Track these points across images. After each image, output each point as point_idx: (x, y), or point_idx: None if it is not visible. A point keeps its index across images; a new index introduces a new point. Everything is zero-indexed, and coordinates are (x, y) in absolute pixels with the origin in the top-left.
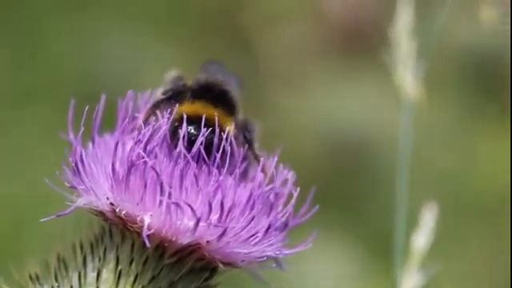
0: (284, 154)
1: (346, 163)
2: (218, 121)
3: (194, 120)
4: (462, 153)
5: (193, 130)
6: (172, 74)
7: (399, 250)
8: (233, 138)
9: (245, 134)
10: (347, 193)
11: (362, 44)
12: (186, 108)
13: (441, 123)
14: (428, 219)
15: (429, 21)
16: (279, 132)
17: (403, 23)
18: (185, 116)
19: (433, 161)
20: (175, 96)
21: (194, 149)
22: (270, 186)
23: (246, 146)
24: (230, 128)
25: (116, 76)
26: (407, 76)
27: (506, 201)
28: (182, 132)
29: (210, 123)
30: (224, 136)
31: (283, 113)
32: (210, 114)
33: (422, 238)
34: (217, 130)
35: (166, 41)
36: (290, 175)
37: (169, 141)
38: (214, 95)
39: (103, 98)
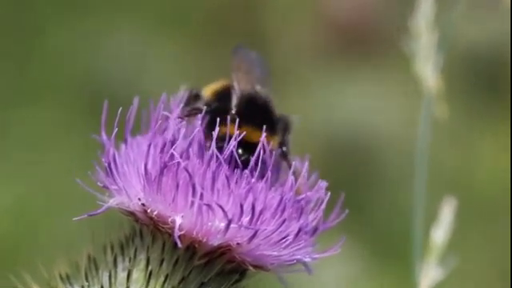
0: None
1: (351, 162)
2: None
3: (242, 143)
4: (464, 151)
5: (241, 152)
6: (187, 93)
7: (417, 246)
8: (266, 144)
9: (281, 143)
10: (353, 192)
11: (366, 43)
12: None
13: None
14: (446, 214)
15: (445, 15)
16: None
17: (423, 16)
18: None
19: (436, 158)
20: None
21: (227, 151)
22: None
23: (279, 151)
24: (274, 144)
25: (120, 75)
26: (427, 69)
27: (507, 200)
28: (215, 134)
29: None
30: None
31: (286, 113)
32: (257, 137)
33: (440, 233)
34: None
35: (171, 40)
36: (320, 180)
37: (202, 142)
38: (258, 110)
39: (136, 100)
